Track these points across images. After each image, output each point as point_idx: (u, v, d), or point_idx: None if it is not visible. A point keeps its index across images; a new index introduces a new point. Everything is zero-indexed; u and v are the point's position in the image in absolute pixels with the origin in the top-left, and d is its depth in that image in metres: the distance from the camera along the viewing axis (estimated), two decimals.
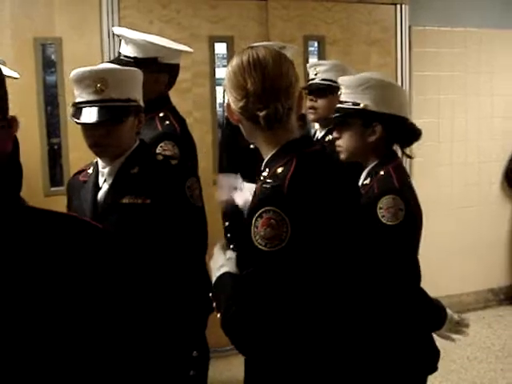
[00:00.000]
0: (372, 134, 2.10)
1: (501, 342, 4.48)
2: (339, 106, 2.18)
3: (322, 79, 3.06)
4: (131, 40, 2.63)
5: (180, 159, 2.07)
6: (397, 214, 1.96)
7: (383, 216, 1.96)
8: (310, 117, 3.11)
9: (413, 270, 2.08)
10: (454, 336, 2.16)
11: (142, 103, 2.04)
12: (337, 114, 2.19)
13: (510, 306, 5.29)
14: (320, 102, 3.06)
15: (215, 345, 4.31)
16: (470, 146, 5.02)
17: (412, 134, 2.19)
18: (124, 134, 1.95)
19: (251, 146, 3.63)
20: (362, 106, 2.09)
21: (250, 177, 3.57)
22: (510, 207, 5.20)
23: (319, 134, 3.12)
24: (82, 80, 1.91)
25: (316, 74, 3.07)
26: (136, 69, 2.06)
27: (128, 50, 2.64)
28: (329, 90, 3.06)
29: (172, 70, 2.77)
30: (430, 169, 4.86)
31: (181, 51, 2.82)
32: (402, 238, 2.02)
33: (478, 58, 5.06)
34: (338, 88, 3.07)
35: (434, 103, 4.88)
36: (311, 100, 3.08)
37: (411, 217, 2.02)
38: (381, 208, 1.96)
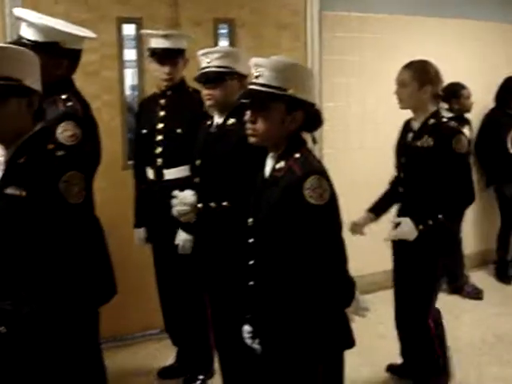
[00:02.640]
0: (293, 120, 2.11)
1: None
2: (257, 88, 2.12)
3: (217, 66, 3.02)
4: (32, 23, 2.59)
5: (68, 149, 1.95)
6: (323, 194, 2.00)
7: (311, 196, 1.98)
8: (208, 103, 3.08)
9: (341, 248, 2.11)
10: (355, 317, 2.23)
11: (35, 86, 1.92)
12: (250, 97, 2.15)
13: None
14: (218, 89, 3.02)
15: (123, 332, 4.30)
16: (380, 131, 5.10)
17: (319, 120, 2.23)
18: (5, 114, 1.86)
19: (143, 131, 3.61)
20: (290, 91, 2.07)
21: (144, 160, 3.57)
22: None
23: (218, 120, 3.09)
24: None
25: (209, 62, 3.02)
26: (25, 49, 1.95)
27: (29, 33, 2.59)
28: (225, 76, 3.04)
29: (74, 55, 2.74)
30: (339, 152, 4.93)
31: (84, 37, 2.76)
32: (330, 217, 2.06)
33: (387, 44, 5.16)
34: (234, 73, 3.06)
35: (343, 88, 4.95)
36: (208, 88, 3.03)
37: (335, 196, 2.07)
38: (307, 189, 1.98)
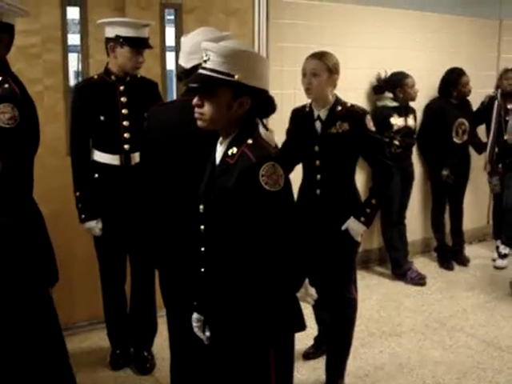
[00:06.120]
0: (240, 106, 2.11)
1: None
2: (205, 73, 2.11)
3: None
4: None
5: (7, 132, 1.90)
6: (279, 180, 2.00)
7: (266, 183, 1.98)
8: None
9: (295, 233, 2.11)
10: (301, 303, 2.26)
11: None
12: (197, 82, 2.14)
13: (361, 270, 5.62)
14: None
15: (67, 321, 4.24)
16: None
17: (272, 107, 2.22)
18: None
19: (101, 118, 3.53)
20: (236, 78, 2.06)
21: (102, 145, 3.50)
22: (363, 178, 5.41)
23: None
24: None
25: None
26: None
27: None
28: None
29: (10, 31, 2.69)
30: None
31: (16, 11, 2.70)
32: (285, 203, 2.07)
33: (332, 32, 5.19)
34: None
35: (290, 74, 4.95)
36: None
37: (289, 181, 2.08)
38: (263, 176, 1.98)
